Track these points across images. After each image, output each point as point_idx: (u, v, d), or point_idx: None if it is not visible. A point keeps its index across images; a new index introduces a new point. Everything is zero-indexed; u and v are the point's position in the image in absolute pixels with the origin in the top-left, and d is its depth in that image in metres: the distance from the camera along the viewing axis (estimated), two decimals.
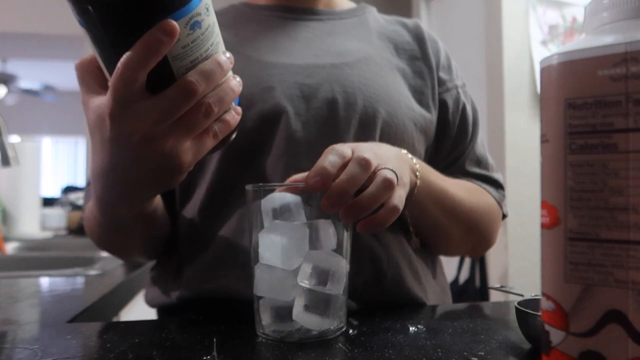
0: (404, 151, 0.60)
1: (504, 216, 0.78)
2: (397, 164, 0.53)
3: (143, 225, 0.61)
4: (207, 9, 0.43)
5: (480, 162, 0.77)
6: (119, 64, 0.40)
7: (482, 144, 0.79)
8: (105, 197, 0.52)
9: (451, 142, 0.75)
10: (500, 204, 0.76)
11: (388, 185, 0.48)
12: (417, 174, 0.60)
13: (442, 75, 0.75)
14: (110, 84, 0.42)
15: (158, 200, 0.62)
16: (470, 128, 0.76)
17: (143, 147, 0.43)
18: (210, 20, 0.44)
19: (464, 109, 0.76)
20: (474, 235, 0.73)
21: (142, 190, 0.50)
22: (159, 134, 0.43)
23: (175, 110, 0.42)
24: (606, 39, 0.25)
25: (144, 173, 0.46)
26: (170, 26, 0.39)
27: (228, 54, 0.46)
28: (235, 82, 0.47)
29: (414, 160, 0.60)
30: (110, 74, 0.43)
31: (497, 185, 0.78)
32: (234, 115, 0.49)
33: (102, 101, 0.44)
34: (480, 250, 0.79)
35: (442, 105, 0.74)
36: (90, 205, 0.63)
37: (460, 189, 0.68)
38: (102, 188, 0.50)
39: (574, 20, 2.30)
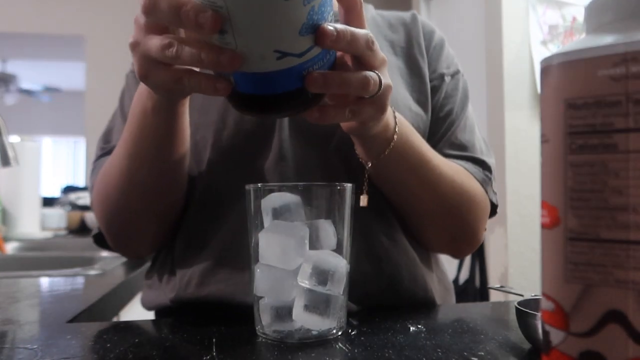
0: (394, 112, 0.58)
1: (494, 206, 0.72)
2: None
3: (169, 168, 0.61)
4: None
5: (466, 147, 0.71)
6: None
7: (471, 130, 0.73)
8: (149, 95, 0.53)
9: (431, 128, 0.71)
10: (485, 187, 0.69)
11: (365, 84, 0.45)
12: (396, 128, 0.57)
13: (428, 69, 0.73)
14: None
15: (186, 148, 0.62)
16: (451, 113, 0.72)
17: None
18: None
19: (446, 96, 0.72)
20: (453, 218, 0.66)
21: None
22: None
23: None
24: (606, 39, 0.25)
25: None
26: None
27: None
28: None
29: (397, 116, 0.57)
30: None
31: (484, 166, 0.70)
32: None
33: None
34: (463, 245, 0.71)
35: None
36: (107, 166, 0.65)
37: (440, 159, 0.64)
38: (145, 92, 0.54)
39: (574, 20, 2.30)
